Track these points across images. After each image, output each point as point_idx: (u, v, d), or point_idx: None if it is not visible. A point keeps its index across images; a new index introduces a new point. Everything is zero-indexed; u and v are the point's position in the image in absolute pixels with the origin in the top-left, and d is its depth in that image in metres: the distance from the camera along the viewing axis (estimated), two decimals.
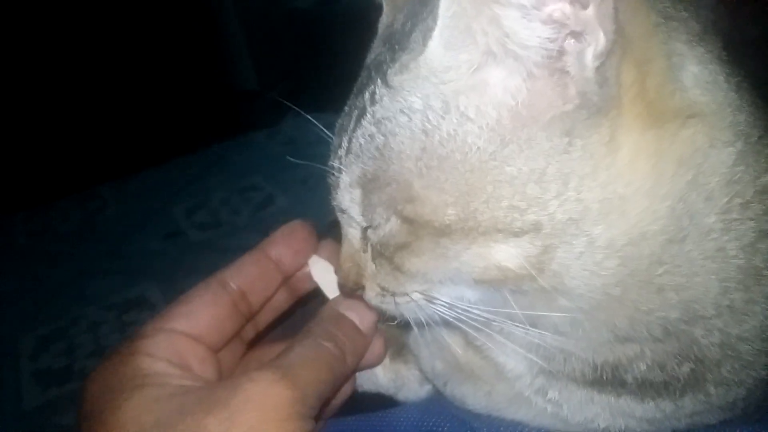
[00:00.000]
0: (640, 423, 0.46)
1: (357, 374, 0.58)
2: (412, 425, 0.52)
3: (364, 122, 0.40)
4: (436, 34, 0.36)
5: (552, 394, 0.47)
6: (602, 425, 0.47)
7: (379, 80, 0.40)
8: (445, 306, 0.43)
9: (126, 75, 2.27)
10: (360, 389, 0.58)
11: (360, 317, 0.46)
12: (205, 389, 0.39)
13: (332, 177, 0.44)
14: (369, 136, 0.40)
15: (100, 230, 2.24)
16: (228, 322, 0.46)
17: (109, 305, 1.85)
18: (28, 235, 2.30)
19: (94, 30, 2.20)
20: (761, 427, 0.48)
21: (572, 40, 0.33)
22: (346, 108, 0.44)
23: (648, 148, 0.36)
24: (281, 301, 0.52)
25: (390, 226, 0.41)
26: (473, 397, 0.52)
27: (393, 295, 0.44)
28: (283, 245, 0.49)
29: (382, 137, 0.39)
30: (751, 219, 0.38)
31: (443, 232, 0.38)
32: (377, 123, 0.39)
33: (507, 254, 0.37)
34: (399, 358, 0.58)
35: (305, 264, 0.51)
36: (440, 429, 0.51)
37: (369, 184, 0.40)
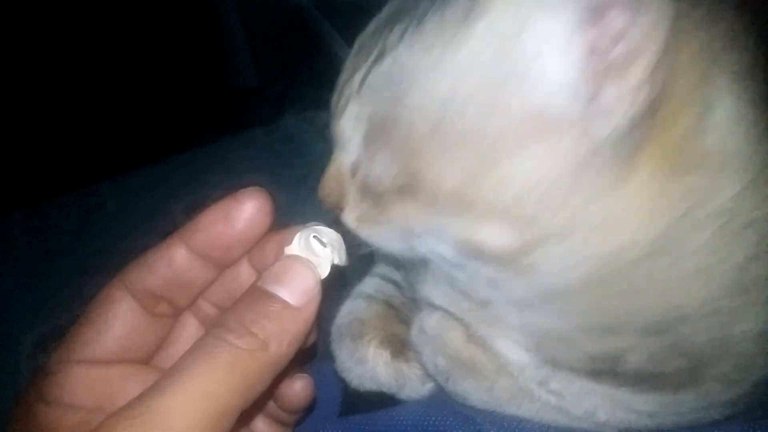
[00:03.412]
0: (640, 417, 0.46)
1: (358, 374, 0.57)
2: (414, 422, 0.52)
3: (387, 60, 0.39)
4: (477, 18, 0.35)
5: (554, 384, 0.47)
6: (603, 418, 0.47)
7: (415, 22, 0.38)
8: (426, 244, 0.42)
9: (124, 72, 2.26)
10: (361, 388, 0.58)
11: (291, 288, 0.37)
12: None
13: (339, 96, 0.43)
14: (389, 76, 0.38)
15: (99, 227, 2.23)
16: (149, 327, 0.41)
17: None
18: (27, 232, 2.29)
19: (92, 26, 2.19)
20: (764, 424, 0.48)
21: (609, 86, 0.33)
22: (372, 27, 0.43)
23: (659, 180, 0.36)
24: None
25: (387, 171, 0.39)
26: (475, 393, 0.52)
27: (373, 222, 0.43)
28: (213, 229, 0.40)
29: (401, 85, 0.38)
30: (740, 246, 0.39)
31: (437, 196, 0.38)
32: (400, 68, 0.38)
33: (493, 235, 0.38)
34: (400, 356, 0.58)
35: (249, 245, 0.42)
36: (443, 425, 0.51)
37: (376, 123, 0.39)
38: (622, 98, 0.33)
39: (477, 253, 0.39)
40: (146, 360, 0.42)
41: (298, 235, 0.40)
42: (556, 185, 0.36)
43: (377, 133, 0.40)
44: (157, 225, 2.16)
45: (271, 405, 0.47)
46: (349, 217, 0.45)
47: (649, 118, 0.35)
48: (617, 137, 0.35)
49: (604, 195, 0.36)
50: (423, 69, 0.37)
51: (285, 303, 0.36)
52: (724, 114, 0.37)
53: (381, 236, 0.44)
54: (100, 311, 0.40)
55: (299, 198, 2.09)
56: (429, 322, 0.54)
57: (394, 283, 0.65)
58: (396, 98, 0.38)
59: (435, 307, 0.54)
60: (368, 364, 0.57)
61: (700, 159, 0.37)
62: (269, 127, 2.70)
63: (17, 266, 2.14)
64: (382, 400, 0.57)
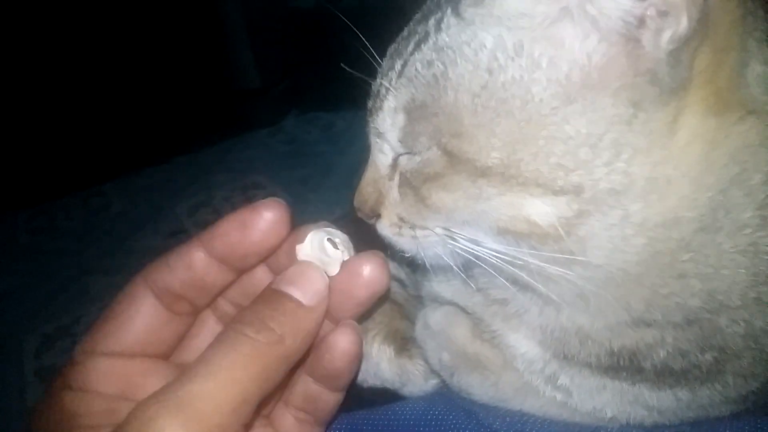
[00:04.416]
0: (651, 413, 0.45)
1: (362, 369, 0.58)
2: (417, 416, 0.52)
3: (424, 48, 0.40)
4: None
5: (563, 380, 0.47)
6: (610, 414, 0.46)
7: (449, 9, 0.39)
8: (469, 242, 0.42)
9: (129, 73, 2.27)
10: (365, 384, 0.58)
11: (303, 289, 0.38)
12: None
13: (375, 99, 0.43)
14: (427, 62, 0.39)
15: (103, 228, 2.24)
16: (169, 323, 0.41)
17: None
18: (31, 232, 2.30)
19: (97, 28, 2.20)
20: None
21: (655, 15, 0.33)
22: (405, 32, 0.44)
23: (705, 136, 0.36)
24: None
25: (429, 155, 0.40)
26: (480, 388, 0.52)
27: (412, 227, 0.44)
28: (230, 237, 0.40)
29: (441, 66, 0.39)
30: None
31: (482, 172, 0.38)
32: (439, 50, 0.39)
33: (540, 210, 0.37)
34: (404, 352, 0.58)
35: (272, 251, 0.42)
36: (445, 419, 0.51)
37: (415, 111, 0.40)
38: (662, 29, 0.33)
39: (525, 232, 0.38)
40: (166, 356, 0.42)
41: (310, 235, 0.41)
42: (602, 143, 0.35)
43: (416, 119, 0.40)
44: (162, 226, 2.18)
45: (311, 386, 0.43)
46: (385, 224, 0.45)
47: (689, 58, 0.34)
48: (660, 76, 0.34)
49: (653, 148, 0.35)
50: (464, 41, 0.38)
51: (299, 302, 0.38)
52: (759, 68, 0.38)
53: (421, 242, 0.44)
54: (124, 306, 0.40)
55: (301, 198, 2.09)
56: (434, 318, 0.54)
57: (398, 280, 0.65)
58: (436, 78, 0.39)
59: (445, 302, 0.54)
60: (372, 360, 0.57)
61: (749, 103, 0.37)
62: (272, 128, 2.70)
63: (21, 266, 2.14)
64: (384, 396, 0.57)
